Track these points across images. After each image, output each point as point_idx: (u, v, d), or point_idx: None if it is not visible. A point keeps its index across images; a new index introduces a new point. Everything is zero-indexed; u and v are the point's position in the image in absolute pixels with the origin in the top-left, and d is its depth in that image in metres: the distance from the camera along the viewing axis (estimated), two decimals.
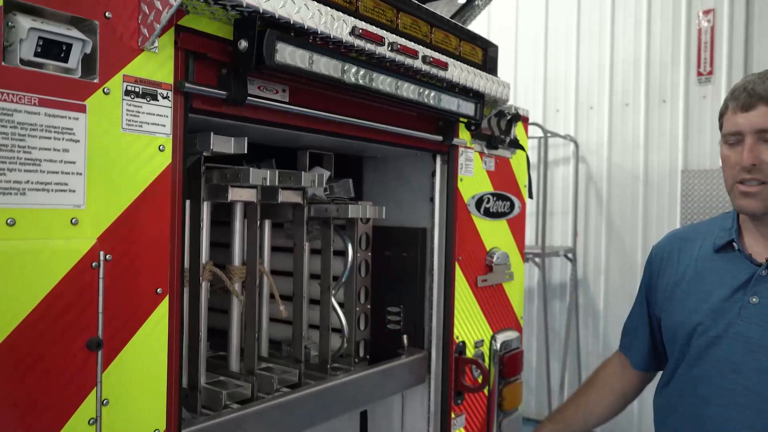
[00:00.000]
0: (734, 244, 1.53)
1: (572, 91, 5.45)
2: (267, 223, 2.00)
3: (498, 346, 2.41)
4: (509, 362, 2.45)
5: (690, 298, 1.56)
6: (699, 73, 4.81)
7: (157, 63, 1.19)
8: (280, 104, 1.46)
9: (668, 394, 1.61)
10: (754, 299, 1.45)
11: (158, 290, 1.21)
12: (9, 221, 0.99)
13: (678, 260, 1.64)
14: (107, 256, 1.11)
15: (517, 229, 2.56)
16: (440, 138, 2.02)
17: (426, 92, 1.72)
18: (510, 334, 2.49)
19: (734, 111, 1.45)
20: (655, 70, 5.03)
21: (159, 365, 1.21)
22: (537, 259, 5.02)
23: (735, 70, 4.68)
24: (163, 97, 1.21)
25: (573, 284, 5.34)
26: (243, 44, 1.25)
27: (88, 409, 1.09)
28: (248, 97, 1.35)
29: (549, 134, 5.10)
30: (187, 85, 1.23)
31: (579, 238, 5.42)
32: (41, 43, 1.02)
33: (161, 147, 1.21)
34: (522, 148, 2.53)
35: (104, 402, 1.12)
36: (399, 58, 1.58)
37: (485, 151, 2.32)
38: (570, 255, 5.35)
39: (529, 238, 5.66)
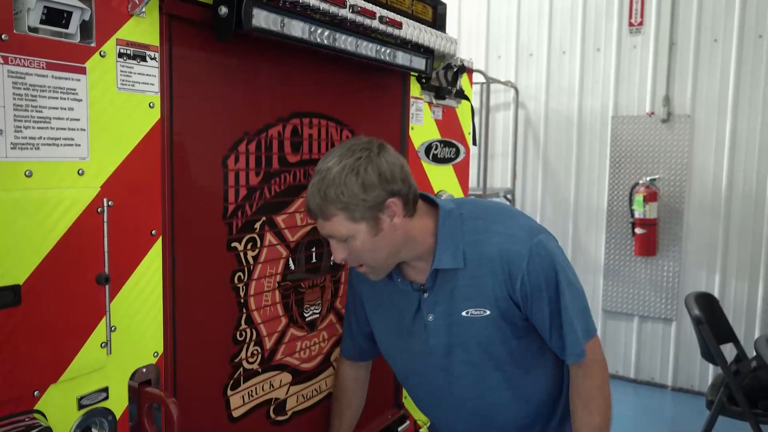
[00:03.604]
0: (395, 277, 1.73)
1: (513, 39, 5.65)
2: None
3: None
4: None
5: (387, 325, 1.80)
6: (630, 24, 5.10)
7: (144, 27, 1.31)
8: None
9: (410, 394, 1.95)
10: (429, 317, 1.69)
11: (153, 232, 1.37)
12: (27, 173, 1.12)
13: (370, 289, 1.82)
14: (110, 203, 1.26)
15: (462, 173, 2.79)
16: None
17: (383, 49, 1.88)
18: None
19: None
20: (591, 19, 5.28)
21: (156, 296, 1.38)
22: None
23: (663, 21, 4.98)
24: (151, 59, 1.34)
25: None
26: (223, 10, 1.38)
27: (100, 334, 1.26)
28: None
29: (491, 80, 5.32)
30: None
31: (517, 180, 5.75)
32: (45, 12, 1.13)
33: (151, 104, 1.34)
34: (467, 99, 2.73)
35: (113, 328, 1.29)
36: (359, 18, 1.73)
37: (434, 101, 2.50)
38: (509, 195, 5.68)
39: (472, 179, 5.95)
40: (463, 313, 1.64)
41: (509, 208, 1.94)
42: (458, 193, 2.75)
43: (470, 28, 5.84)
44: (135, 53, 1.30)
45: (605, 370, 1.71)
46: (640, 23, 5.05)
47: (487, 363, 1.70)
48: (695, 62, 4.91)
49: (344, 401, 1.98)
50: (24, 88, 1.11)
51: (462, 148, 2.75)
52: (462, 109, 2.74)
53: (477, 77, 5.22)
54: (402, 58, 1.98)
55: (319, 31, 1.62)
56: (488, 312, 1.63)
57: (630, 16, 5.09)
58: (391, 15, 1.86)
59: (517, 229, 1.63)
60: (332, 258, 1.63)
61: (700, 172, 4.98)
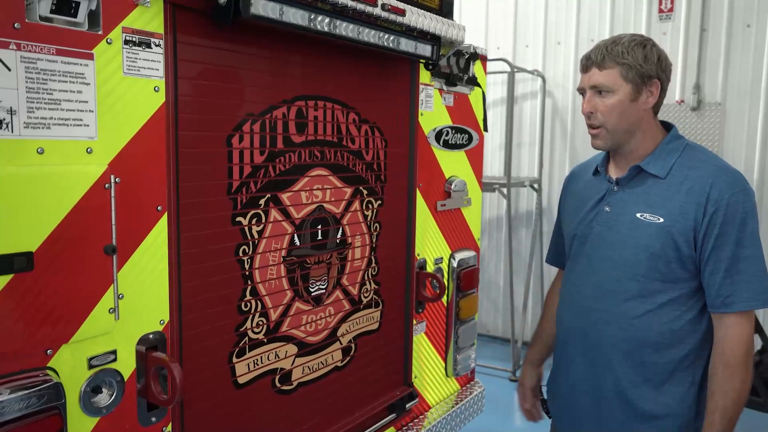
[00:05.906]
0: (599, 169, 2.00)
1: (541, 28, 5.61)
2: None
3: (456, 263, 2.72)
4: (465, 277, 2.77)
5: (573, 212, 2.06)
6: (660, 11, 5.01)
7: (149, 16, 1.41)
8: None
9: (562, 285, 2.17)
10: (606, 208, 1.92)
11: (158, 207, 1.47)
12: (39, 150, 1.23)
13: (575, 186, 2.10)
14: (117, 179, 1.36)
15: (475, 160, 2.83)
16: None
17: (385, 36, 1.94)
18: (467, 253, 2.80)
19: (580, 72, 1.88)
20: (620, 6, 5.21)
21: (162, 268, 1.49)
22: (504, 190, 5.32)
23: (694, 7, 4.88)
24: (156, 45, 1.43)
25: (538, 212, 5.68)
26: None
27: (108, 300, 1.37)
28: None
29: (516, 69, 5.30)
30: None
31: (544, 169, 5.72)
32: (55, 2, 1.23)
33: (156, 88, 1.44)
34: (479, 86, 2.76)
35: (120, 296, 1.39)
36: (360, 6, 1.79)
37: (444, 88, 2.55)
38: (536, 185, 5.66)
39: (498, 169, 5.96)
40: (638, 214, 1.82)
41: None
42: (471, 179, 2.79)
43: (497, 17, 5.83)
44: (140, 40, 1.40)
45: (753, 341, 1.76)
46: (670, 9, 4.96)
47: (626, 270, 1.83)
48: (727, 49, 4.80)
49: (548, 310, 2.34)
50: (35, 73, 1.22)
51: (475, 135, 2.79)
52: (475, 96, 2.78)
53: (503, 66, 5.22)
54: (406, 44, 2.04)
55: (319, 18, 1.69)
56: (662, 220, 1.77)
57: (660, 3, 5.01)
58: (394, 2, 1.92)
59: (735, 172, 1.79)
60: (582, 109, 1.91)
61: (731, 162, 4.86)
